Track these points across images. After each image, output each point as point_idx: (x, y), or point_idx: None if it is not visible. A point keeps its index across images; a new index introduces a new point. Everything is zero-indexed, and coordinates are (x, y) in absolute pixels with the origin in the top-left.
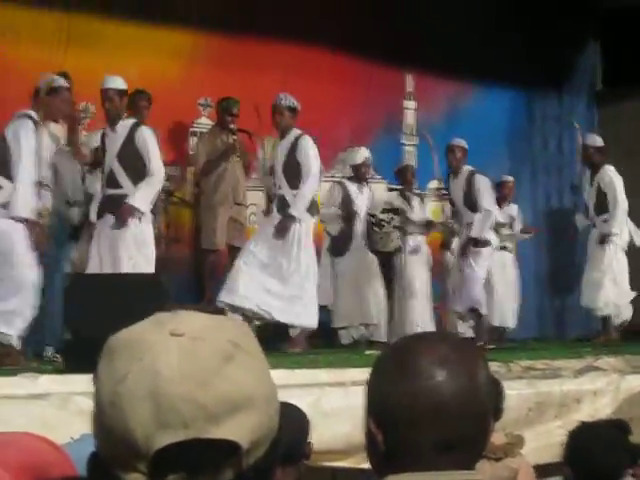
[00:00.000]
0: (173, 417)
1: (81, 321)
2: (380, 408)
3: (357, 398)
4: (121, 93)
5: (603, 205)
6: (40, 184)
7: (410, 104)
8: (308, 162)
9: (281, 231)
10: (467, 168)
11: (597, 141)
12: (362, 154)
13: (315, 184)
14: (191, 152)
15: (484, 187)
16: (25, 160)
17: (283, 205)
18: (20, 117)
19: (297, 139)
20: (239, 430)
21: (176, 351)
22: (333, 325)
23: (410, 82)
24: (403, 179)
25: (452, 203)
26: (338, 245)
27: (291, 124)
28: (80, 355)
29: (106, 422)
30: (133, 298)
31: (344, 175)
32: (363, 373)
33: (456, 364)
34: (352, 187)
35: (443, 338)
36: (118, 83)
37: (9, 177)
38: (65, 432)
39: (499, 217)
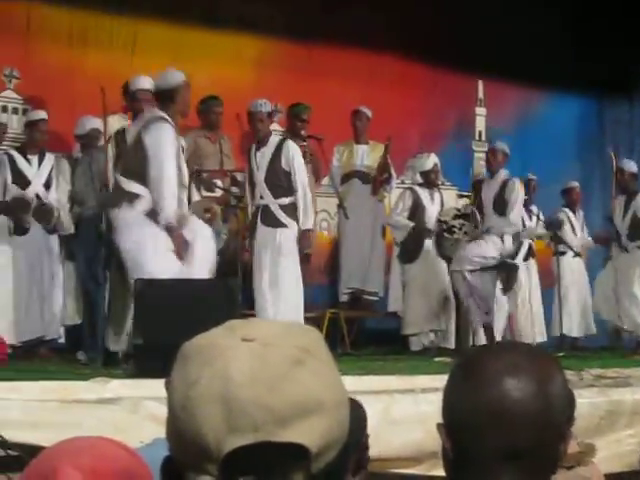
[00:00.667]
0: (243, 421)
1: (151, 326)
2: (448, 416)
3: (427, 405)
4: (269, 115)
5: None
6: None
7: (481, 110)
8: (296, 168)
9: (307, 246)
10: (504, 172)
11: (632, 167)
12: (431, 160)
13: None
14: None
15: (515, 196)
16: (168, 166)
17: (267, 215)
18: (156, 120)
19: (281, 144)
20: (308, 434)
21: (247, 356)
22: (403, 332)
23: (481, 88)
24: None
25: (479, 206)
26: (408, 252)
27: (269, 130)
28: (150, 360)
29: (178, 426)
30: (203, 303)
31: (413, 182)
32: (432, 380)
33: (525, 372)
34: (423, 193)
35: (514, 346)
36: (267, 107)
37: (145, 183)
38: (136, 436)
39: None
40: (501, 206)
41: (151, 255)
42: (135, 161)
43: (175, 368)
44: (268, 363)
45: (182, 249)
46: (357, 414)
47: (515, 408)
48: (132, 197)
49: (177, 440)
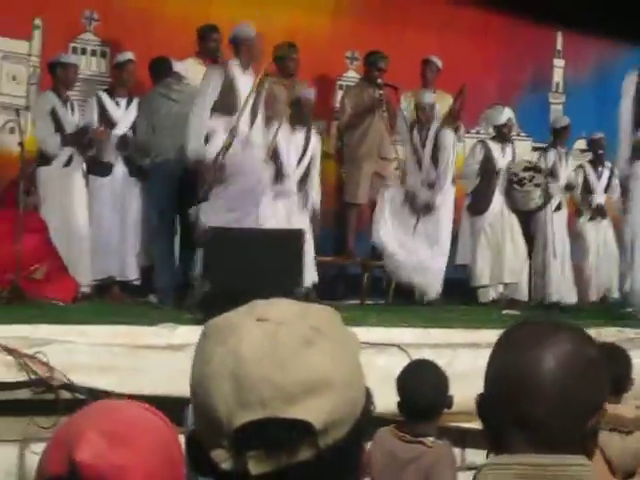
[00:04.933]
0: (252, 396)
1: (220, 274)
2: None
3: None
4: None
5: None
6: None
7: (559, 62)
8: None
9: None
10: None
11: None
12: (505, 114)
13: None
14: (337, 105)
15: None
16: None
17: None
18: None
19: None
20: (315, 411)
21: (258, 335)
22: (472, 284)
23: (560, 40)
24: (560, 138)
25: None
26: (478, 204)
27: None
28: (219, 307)
29: (196, 401)
30: (270, 253)
31: (487, 133)
32: (497, 335)
33: (549, 346)
34: (495, 146)
35: (550, 323)
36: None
37: None
38: None
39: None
40: None
41: None
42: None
43: (196, 347)
44: (279, 342)
45: None
46: (437, 373)
47: (531, 379)
48: None
49: (196, 415)
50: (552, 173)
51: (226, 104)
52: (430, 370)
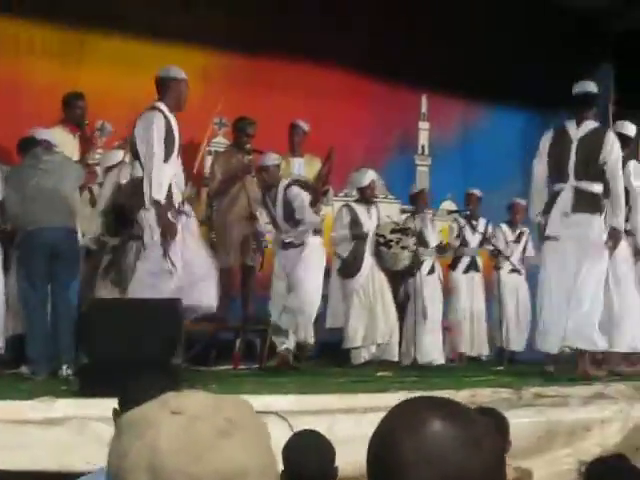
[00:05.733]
0: None
1: (97, 345)
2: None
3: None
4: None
5: None
6: None
7: (424, 125)
8: None
9: None
10: None
11: None
12: (369, 176)
13: None
14: (206, 171)
15: None
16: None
17: None
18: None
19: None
20: None
21: (174, 428)
22: (345, 346)
23: (424, 103)
24: (418, 203)
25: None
26: (349, 267)
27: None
28: (96, 379)
29: None
30: (147, 323)
31: (353, 196)
32: (375, 399)
33: (434, 426)
34: (360, 209)
35: (439, 403)
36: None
37: None
38: (81, 457)
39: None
40: None
41: None
42: None
43: (112, 440)
44: (194, 435)
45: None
46: (323, 442)
47: (416, 459)
48: None
49: None
50: (420, 236)
51: (168, 149)
52: (316, 440)
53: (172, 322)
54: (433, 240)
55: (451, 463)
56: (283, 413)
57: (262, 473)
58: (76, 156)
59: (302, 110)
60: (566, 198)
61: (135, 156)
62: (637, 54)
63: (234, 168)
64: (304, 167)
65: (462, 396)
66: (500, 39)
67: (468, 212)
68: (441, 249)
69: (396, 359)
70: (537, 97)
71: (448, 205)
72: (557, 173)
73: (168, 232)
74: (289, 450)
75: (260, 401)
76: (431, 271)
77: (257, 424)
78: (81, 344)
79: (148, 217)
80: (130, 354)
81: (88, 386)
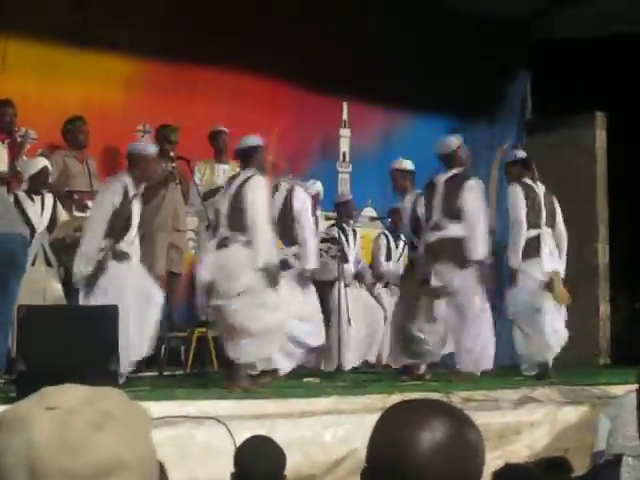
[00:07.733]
0: None
1: (35, 352)
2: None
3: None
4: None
5: None
6: None
7: (345, 132)
8: None
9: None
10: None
11: None
12: (315, 188)
13: None
14: None
15: None
16: None
17: None
18: None
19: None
20: None
21: (49, 424)
22: None
23: (345, 110)
24: (341, 212)
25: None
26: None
27: None
28: (33, 386)
29: None
30: (85, 329)
31: None
32: (306, 404)
33: (426, 429)
34: None
35: (432, 406)
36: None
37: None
38: None
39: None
40: None
41: None
42: None
43: None
44: (69, 429)
45: None
46: (275, 449)
47: (408, 461)
48: None
49: None
50: (343, 247)
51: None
52: (267, 447)
53: (109, 328)
54: (352, 255)
55: (451, 464)
56: (221, 418)
57: (141, 463)
58: (5, 163)
59: (223, 116)
60: None
61: None
62: (554, 62)
63: (158, 175)
64: (229, 174)
65: (393, 400)
66: (419, 47)
67: (389, 219)
68: (359, 276)
69: (321, 366)
70: (456, 105)
71: (370, 212)
72: None
73: None
74: (241, 454)
75: (196, 406)
76: (356, 277)
77: (134, 415)
78: (19, 351)
79: None
80: (68, 361)
81: (25, 393)
